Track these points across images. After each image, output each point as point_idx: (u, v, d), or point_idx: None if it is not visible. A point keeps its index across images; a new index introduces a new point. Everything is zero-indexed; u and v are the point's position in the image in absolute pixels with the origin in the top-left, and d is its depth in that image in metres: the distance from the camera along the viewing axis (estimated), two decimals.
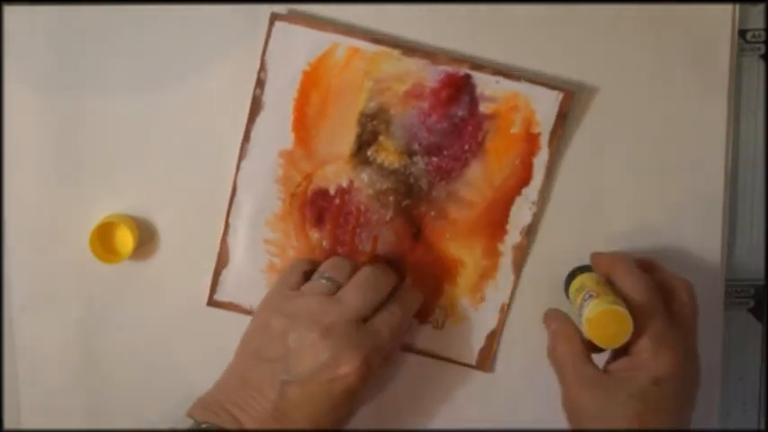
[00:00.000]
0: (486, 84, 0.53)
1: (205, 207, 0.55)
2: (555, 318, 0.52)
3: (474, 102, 0.54)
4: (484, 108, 0.54)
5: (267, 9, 0.53)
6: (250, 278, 0.56)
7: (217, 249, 0.56)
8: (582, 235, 0.55)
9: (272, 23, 0.53)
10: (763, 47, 0.55)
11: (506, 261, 0.55)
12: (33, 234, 0.56)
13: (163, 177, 0.55)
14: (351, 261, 0.54)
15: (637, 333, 0.47)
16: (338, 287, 0.51)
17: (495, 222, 0.55)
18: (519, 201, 0.55)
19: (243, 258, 0.56)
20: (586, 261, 0.55)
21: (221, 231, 0.55)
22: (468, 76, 0.53)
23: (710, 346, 0.56)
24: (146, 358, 0.57)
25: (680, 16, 0.53)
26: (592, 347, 0.49)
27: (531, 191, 0.55)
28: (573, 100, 0.53)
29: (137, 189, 0.55)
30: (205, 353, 0.56)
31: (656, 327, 0.48)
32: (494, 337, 0.56)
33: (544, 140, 0.54)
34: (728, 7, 0.53)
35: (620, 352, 0.49)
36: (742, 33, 0.54)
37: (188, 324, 0.56)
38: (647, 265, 0.52)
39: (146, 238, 0.56)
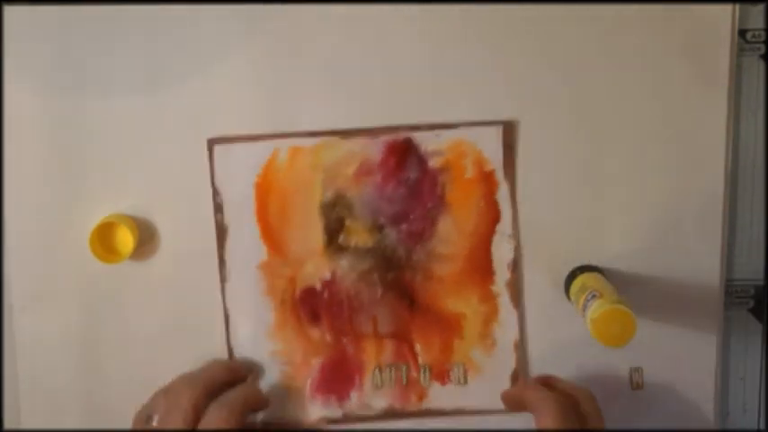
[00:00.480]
0: (427, 140, 0.54)
1: (206, 206, 0.55)
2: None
3: (422, 160, 0.55)
4: (433, 163, 0.55)
5: (268, 9, 0.53)
6: (269, 393, 0.56)
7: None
8: (582, 236, 0.55)
9: (210, 149, 0.54)
10: (763, 47, 0.55)
11: (504, 300, 0.56)
12: (33, 234, 0.56)
13: (163, 177, 0.55)
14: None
15: None
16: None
17: (481, 267, 0.56)
18: (496, 239, 0.55)
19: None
20: (588, 262, 0.55)
21: (226, 353, 0.56)
22: (408, 139, 0.54)
23: (709, 346, 0.56)
24: (146, 358, 0.57)
25: (680, 16, 0.53)
26: None
27: (505, 226, 0.55)
28: (514, 130, 0.54)
29: (137, 189, 0.55)
30: (205, 353, 0.56)
31: None
32: (517, 377, 0.56)
33: (500, 175, 0.55)
34: (728, 7, 0.53)
35: None
36: (742, 33, 0.54)
37: (188, 324, 0.56)
38: (545, 382, 0.53)
39: (146, 238, 0.56)
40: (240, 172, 0.55)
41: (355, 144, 0.54)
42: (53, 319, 0.56)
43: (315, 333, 0.56)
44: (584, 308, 0.49)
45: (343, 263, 0.56)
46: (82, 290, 0.56)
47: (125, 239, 0.54)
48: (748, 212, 0.56)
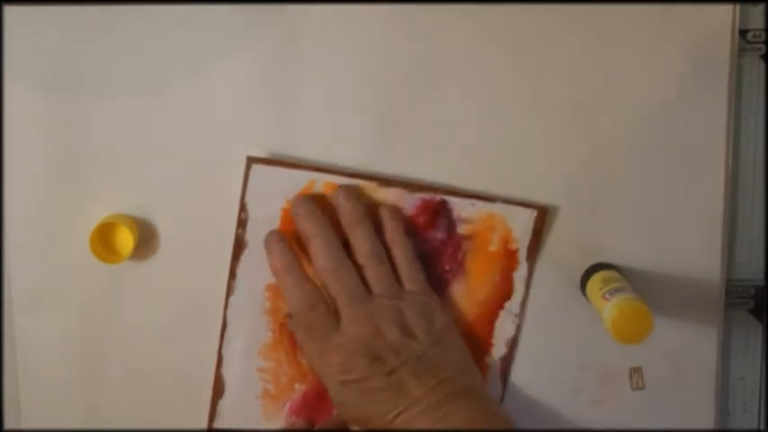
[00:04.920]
0: (462, 207, 0.55)
1: (206, 206, 0.55)
2: None
3: (452, 224, 0.55)
4: (461, 230, 0.55)
5: (268, 9, 0.53)
6: (246, 406, 0.57)
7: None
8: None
9: (249, 167, 0.54)
10: (763, 47, 0.55)
11: (494, 373, 0.56)
12: (33, 234, 0.56)
13: (163, 177, 0.55)
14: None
15: None
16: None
17: (481, 337, 0.56)
18: (502, 314, 0.56)
19: (238, 388, 0.57)
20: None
21: (216, 360, 0.56)
22: (443, 202, 0.54)
23: (709, 346, 0.56)
24: (145, 358, 0.57)
25: (680, 16, 0.53)
26: None
27: (514, 304, 0.56)
28: (547, 216, 0.55)
29: (137, 189, 0.55)
30: (205, 353, 0.56)
31: None
32: None
33: (522, 255, 0.55)
34: (728, 7, 0.53)
35: None
36: (742, 33, 0.54)
37: (188, 324, 0.56)
38: None
39: (146, 238, 0.56)
40: (272, 194, 0.54)
41: (391, 194, 0.54)
42: (53, 319, 0.56)
43: (306, 361, 0.56)
44: (605, 299, 0.50)
45: None
46: (82, 290, 0.56)
47: (125, 239, 0.54)
48: (748, 212, 0.56)
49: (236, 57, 0.54)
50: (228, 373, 0.56)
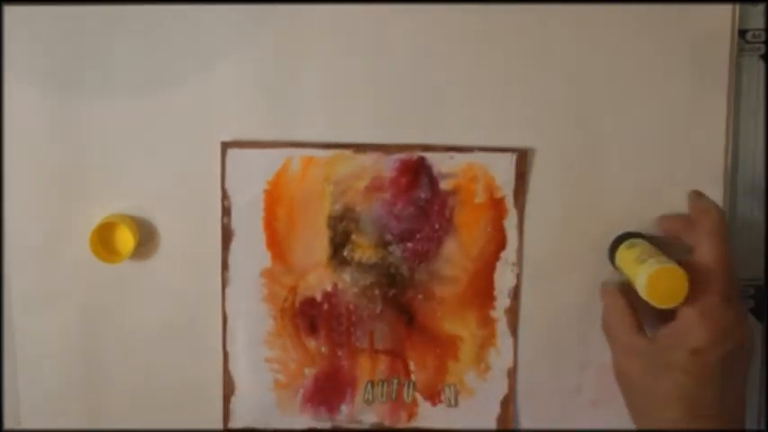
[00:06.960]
0: (441, 161, 0.54)
1: (206, 206, 0.55)
2: (607, 292, 0.53)
3: (434, 181, 0.55)
4: (444, 185, 0.55)
5: (268, 9, 0.53)
6: (261, 400, 0.57)
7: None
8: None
9: (224, 152, 0.54)
10: (763, 47, 0.55)
11: (502, 326, 0.56)
12: (33, 234, 0.56)
13: (163, 177, 0.55)
14: None
15: (687, 299, 0.47)
16: None
17: (482, 292, 0.56)
18: (500, 266, 0.56)
19: (249, 382, 0.57)
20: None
21: (221, 358, 0.56)
22: (422, 159, 0.54)
23: None
24: (145, 358, 0.57)
25: (680, 16, 0.53)
26: (644, 316, 0.51)
27: (510, 253, 0.55)
28: (528, 158, 0.54)
29: (137, 189, 0.55)
30: (204, 353, 0.56)
31: (708, 297, 0.48)
32: (508, 404, 0.57)
33: (509, 202, 0.55)
34: (728, 7, 0.53)
35: (670, 317, 0.49)
36: (742, 33, 0.54)
37: (187, 324, 0.56)
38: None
39: (146, 238, 0.56)
40: (251, 177, 0.55)
41: (368, 159, 0.54)
42: (53, 319, 0.56)
43: (311, 344, 0.56)
44: (637, 266, 0.49)
45: (346, 276, 0.56)
46: (82, 290, 0.56)
47: (125, 239, 0.54)
48: (748, 212, 0.56)
49: (237, 56, 0.54)
50: (236, 369, 0.56)
